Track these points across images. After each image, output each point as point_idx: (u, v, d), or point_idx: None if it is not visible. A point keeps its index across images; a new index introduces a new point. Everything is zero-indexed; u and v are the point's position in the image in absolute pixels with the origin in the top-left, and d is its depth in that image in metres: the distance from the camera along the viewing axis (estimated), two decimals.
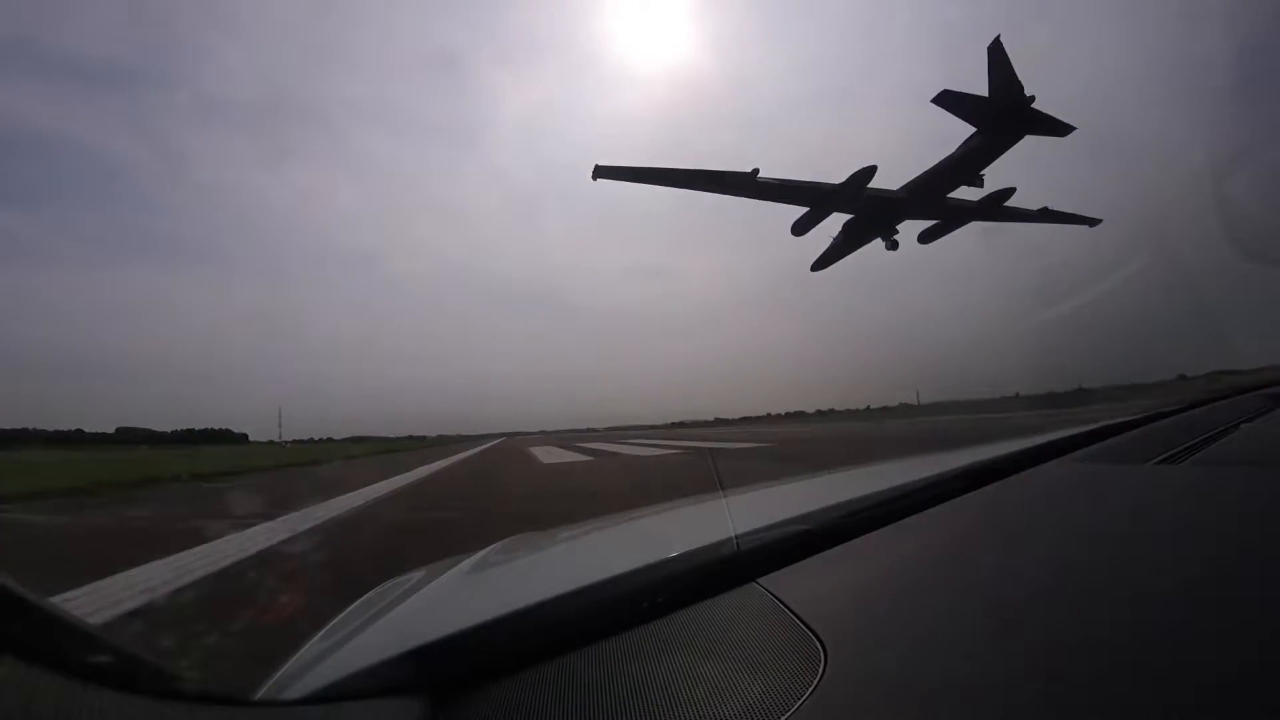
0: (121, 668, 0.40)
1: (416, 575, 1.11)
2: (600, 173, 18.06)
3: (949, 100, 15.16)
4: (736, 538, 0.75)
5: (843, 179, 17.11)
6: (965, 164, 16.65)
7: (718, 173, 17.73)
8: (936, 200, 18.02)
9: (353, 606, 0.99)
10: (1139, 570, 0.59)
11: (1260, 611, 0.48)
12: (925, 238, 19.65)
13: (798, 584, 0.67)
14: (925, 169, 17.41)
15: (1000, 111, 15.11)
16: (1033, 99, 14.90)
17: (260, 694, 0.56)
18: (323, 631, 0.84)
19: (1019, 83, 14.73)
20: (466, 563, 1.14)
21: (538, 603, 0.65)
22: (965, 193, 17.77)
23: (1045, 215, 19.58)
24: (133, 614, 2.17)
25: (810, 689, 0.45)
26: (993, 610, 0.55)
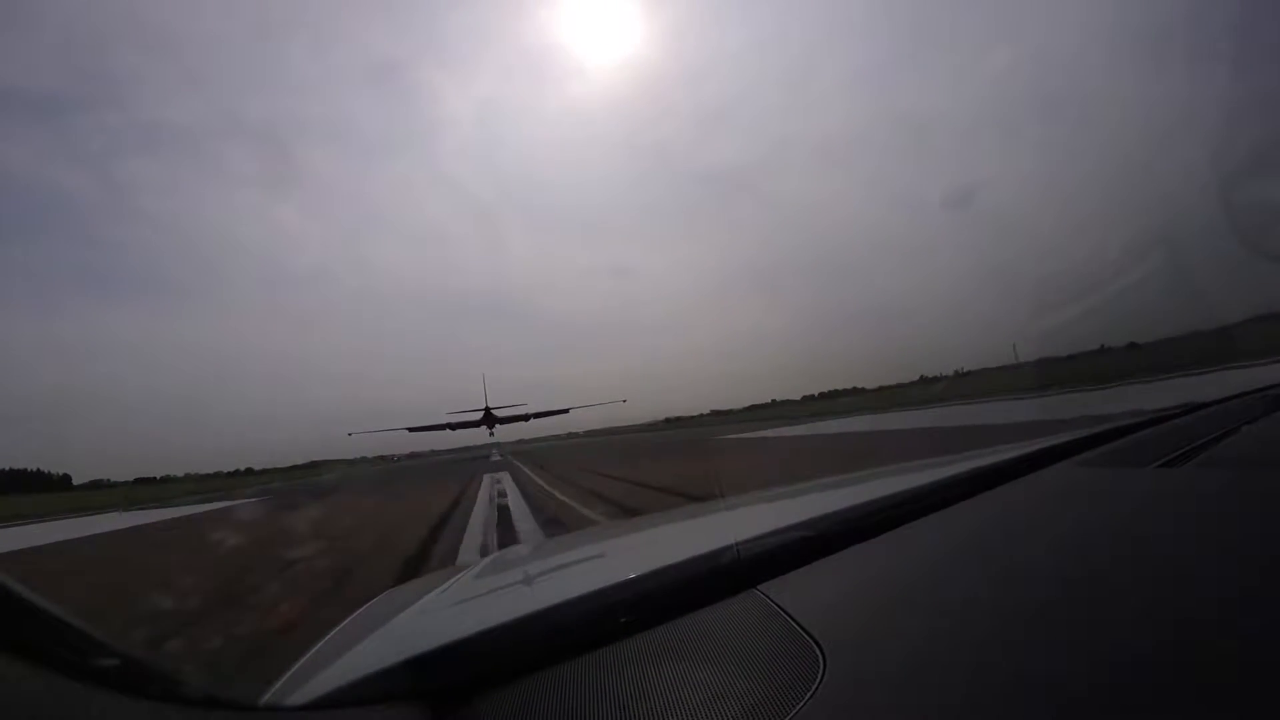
0: (127, 671, 0.40)
1: (417, 585, 1.13)
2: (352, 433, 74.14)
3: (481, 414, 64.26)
4: (737, 545, 0.74)
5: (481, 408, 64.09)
6: (488, 416, 62.86)
7: (432, 425, 65.03)
8: (498, 420, 63.39)
9: (355, 615, 1.00)
10: (1141, 574, 0.59)
11: (1263, 613, 0.47)
12: (524, 419, 65.03)
13: (798, 591, 0.67)
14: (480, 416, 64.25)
15: (484, 411, 63.33)
16: (495, 412, 64.14)
17: (264, 699, 0.56)
18: (325, 639, 0.84)
19: (488, 404, 63.57)
20: (467, 572, 1.15)
21: (538, 610, 0.66)
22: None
23: (566, 410, 69.80)
24: None
25: (808, 695, 0.45)
26: (993, 616, 0.55)
